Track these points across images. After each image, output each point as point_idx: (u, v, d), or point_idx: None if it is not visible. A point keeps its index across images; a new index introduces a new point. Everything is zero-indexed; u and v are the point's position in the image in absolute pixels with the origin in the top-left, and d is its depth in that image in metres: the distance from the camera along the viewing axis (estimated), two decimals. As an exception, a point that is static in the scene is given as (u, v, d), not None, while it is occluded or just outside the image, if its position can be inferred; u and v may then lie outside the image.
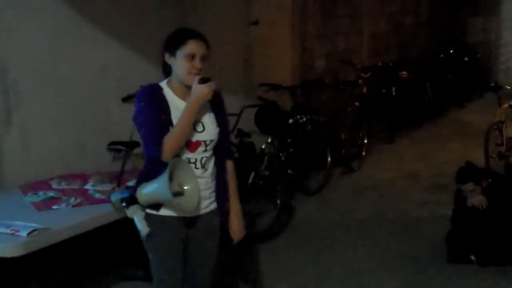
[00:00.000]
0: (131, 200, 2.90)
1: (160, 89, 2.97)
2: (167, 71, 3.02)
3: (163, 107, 2.91)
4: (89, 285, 4.41)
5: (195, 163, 2.98)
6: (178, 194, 2.84)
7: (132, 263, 4.55)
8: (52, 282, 4.14)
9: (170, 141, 2.82)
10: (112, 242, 4.32)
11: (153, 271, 3.11)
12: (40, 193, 3.94)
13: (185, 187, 2.89)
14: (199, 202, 2.96)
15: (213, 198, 3.10)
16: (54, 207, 3.73)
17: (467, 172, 5.05)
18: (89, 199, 3.90)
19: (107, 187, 4.14)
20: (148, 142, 2.91)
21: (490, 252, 4.82)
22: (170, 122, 2.88)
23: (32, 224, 3.34)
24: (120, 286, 4.48)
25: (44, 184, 4.17)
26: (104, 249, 4.38)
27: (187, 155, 2.96)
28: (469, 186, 4.96)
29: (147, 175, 2.93)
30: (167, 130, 2.85)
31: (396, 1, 10.20)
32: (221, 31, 5.95)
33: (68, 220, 3.56)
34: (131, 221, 2.94)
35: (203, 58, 2.94)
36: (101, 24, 4.77)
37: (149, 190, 2.86)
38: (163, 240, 3.01)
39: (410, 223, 5.81)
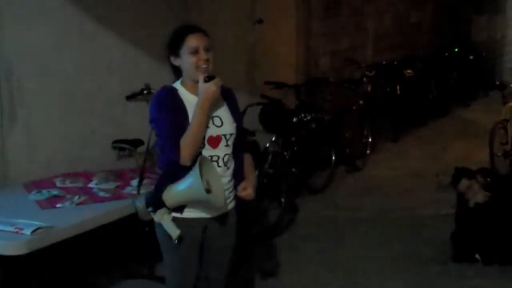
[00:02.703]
0: (158, 203, 2.87)
1: (175, 90, 2.97)
2: (177, 74, 3.03)
3: (180, 108, 2.91)
4: (93, 283, 4.42)
5: (217, 161, 2.98)
6: (208, 191, 2.81)
7: (136, 261, 4.56)
8: (55, 280, 4.15)
9: (186, 144, 2.83)
10: (116, 240, 4.33)
11: (171, 272, 3.12)
12: (44, 191, 3.94)
13: (215, 184, 2.86)
14: (226, 198, 2.97)
15: (232, 197, 3.10)
16: (58, 205, 3.73)
17: (458, 174, 5.14)
18: (93, 197, 3.90)
19: (111, 185, 4.15)
20: (166, 146, 2.90)
21: (494, 251, 4.81)
22: (188, 124, 2.87)
23: (36, 222, 3.34)
24: (124, 284, 4.47)
25: (48, 182, 4.17)
26: (108, 247, 4.38)
27: (209, 152, 2.95)
28: (464, 182, 5.03)
29: (169, 178, 2.90)
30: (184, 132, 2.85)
31: (400, -1, 10.18)
32: (225, 30, 5.94)
33: (72, 218, 3.56)
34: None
35: (207, 49, 2.94)
36: (105, 22, 4.77)
37: (181, 189, 2.82)
38: (186, 242, 3.00)
39: (415, 222, 5.79)
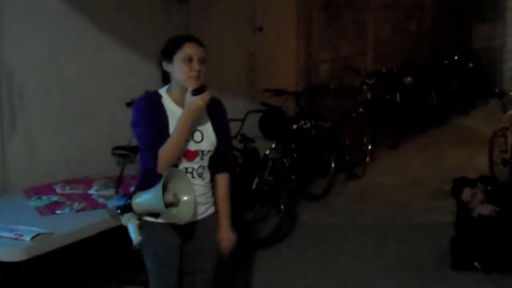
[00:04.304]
0: (126, 208, 2.87)
1: (159, 96, 2.96)
2: (166, 80, 3.01)
3: (161, 116, 2.90)
4: (92, 289, 4.42)
5: (192, 172, 2.98)
6: (172, 204, 2.80)
7: (135, 267, 4.54)
8: (55, 286, 4.14)
9: (164, 154, 2.82)
10: (116, 247, 4.32)
11: (152, 276, 3.12)
12: (44, 197, 3.94)
13: (183, 197, 2.84)
14: (194, 212, 2.94)
15: (210, 203, 3.11)
16: (58, 211, 3.73)
17: (459, 184, 5.15)
18: (93, 204, 3.90)
19: (111, 191, 4.14)
20: (144, 153, 2.91)
21: (494, 259, 4.80)
22: (167, 132, 2.86)
23: (36, 229, 3.33)
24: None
25: (48, 189, 4.17)
26: (108, 253, 4.37)
27: (184, 164, 2.95)
28: (466, 192, 5.04)
29: (143, 184, 2.91)
30: (164, 141, 2.83)
31: (400, 7, 10.20)
32: (226, 37, 5.96)
33: (72, 224, 3.56)
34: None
35: (201, 61, 2.92)
36: (106, 28, 4.78)
37: (142, 200, 2.83)
38: (162, 247, 3.02)
39: (414, 230, 5.79)
